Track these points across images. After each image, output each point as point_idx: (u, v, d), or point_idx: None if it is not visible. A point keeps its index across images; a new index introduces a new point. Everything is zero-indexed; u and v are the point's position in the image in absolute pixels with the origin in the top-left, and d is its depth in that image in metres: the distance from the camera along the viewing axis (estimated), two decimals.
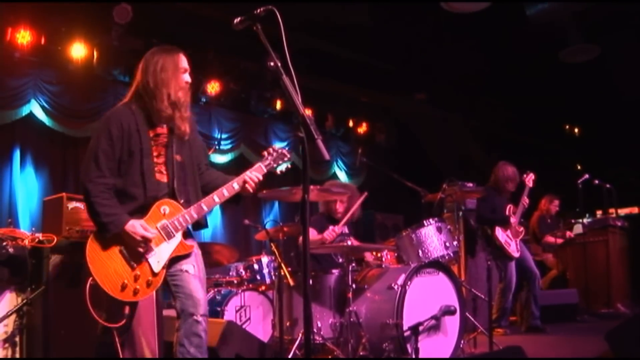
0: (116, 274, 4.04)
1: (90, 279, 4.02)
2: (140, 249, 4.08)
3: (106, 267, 4.03)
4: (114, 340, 4.32)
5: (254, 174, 4.48)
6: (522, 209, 8.71)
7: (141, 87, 4.32)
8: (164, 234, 4.17)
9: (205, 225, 4.57)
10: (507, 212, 8.58)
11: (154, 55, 4.38)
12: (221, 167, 11.39)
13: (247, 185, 4.44)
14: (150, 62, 4.33)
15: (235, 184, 4.42)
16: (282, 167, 4.75)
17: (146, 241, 4.08)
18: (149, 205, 4.18)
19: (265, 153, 4.67)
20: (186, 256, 4.29)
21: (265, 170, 4.56)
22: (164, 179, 4.29)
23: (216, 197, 4.36)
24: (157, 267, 4.15)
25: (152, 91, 4.27)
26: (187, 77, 4.41)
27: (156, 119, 4.31)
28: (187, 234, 4.37)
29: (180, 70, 4.36)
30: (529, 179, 8.73)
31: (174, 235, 4.21)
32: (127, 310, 4.32)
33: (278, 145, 12.36)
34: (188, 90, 4.43)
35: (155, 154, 4.29)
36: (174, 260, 4.24)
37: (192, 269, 4.29)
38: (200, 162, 4.62)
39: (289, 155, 4.73)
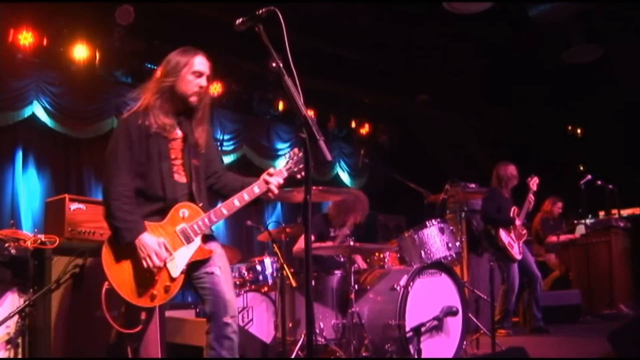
0: (133, 279, 3.96)
1: (106, 283, 3.94)
2: (145, 264, 3.94)
3: (123, 271, 3.96)
4: (126, 346, 4.24)
5: (275, 178, 4.36)
6: (526, 212, 8.71)
7: (158, 88, 4.25)
8: (183, 238, 4.10)
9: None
10: (511, 214, 8.57)
11: (174, 57, 4.33)
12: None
13: (271, 187, 4.33)
14: (168, 66, 4.29)
15: (256, 188, 4.31)
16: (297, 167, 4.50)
17: (154, 260, 3.95)
18: (168, 208, 4.12)
19: (287, 156, 4.52)
20: (208, 259, 4.19)
21: (286, 174, 4.43)
22: (183, 179, 4.23)
23: (236, 201, 4.27)
24: (175, 272, 4.05)
25: (167, 93, 4.23)
26: (201, 81, 4.33)
27: (170, 126, 4.23)
28: (207, 237, 4.29)
29: (189, 71, 4.28)
30: (533, 182, 8.73)
31: (193, 240, 4.13)
32: (143, 315, 4.21)
33: (279, 145, 12.45)
34: (203, 95, 4.37)
35: (172, 156, 4.23)
36: (196, 264, 4.16)
37: (218, 271, 4.19)
38: (216, 167, 4.55)
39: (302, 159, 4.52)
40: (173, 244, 4.07)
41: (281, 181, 4.40)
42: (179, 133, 4.29)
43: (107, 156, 4.13)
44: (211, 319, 4.10)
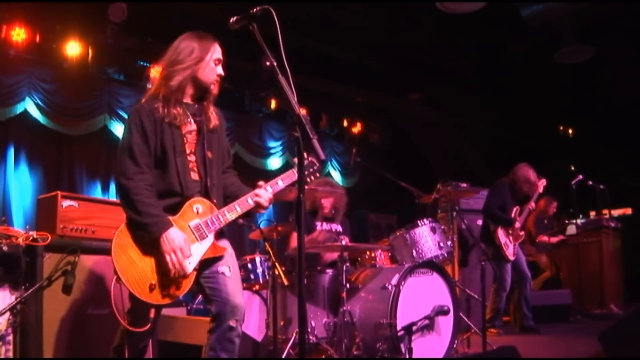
0: (144, 274, 3.82)
1: (115, 277, 3.80)
2: (168, 259, 3.81)
3: (133, 265, 3.81)
4: (127, 346, 4.13)
5: (267, 195, 4.23)
6: (527, 214, 8.72)
7: (169, 78, 4.06)
8: (197, 235, 3.97)
9: None
10: (513, 215, 8.57)
11: (184, 42, 4.14)
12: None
13: (259, 206, 4.22)
14: (179, 52, 4.10)
15: (250, 200, 4.20)
16: (317, 175, 4.49)
17: (179, 256, 3.82)
18: (183, 204, 3.98)
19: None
20: (219, 257, 4.07)
21: (283, 185, 4.32)
22: (197, 177, 4.08)
23: (250, 200, 4.17)
24: (188, 269, 3.89)
25: (185, 80, 4.07)
26: (219, 70, 4.20)
27: (184, 114, 4.09)
28: (219, 235, 4.17)
29: (212, 59, 4.15)
30: (541, 184, 8.72)
31: (207, 236, 4.01)
32: (152, 313, 4.13)
33: (271, 143, 12.43)
34: (218, 84, 4.24)
35: (188, 151, 4.07)
36: (208, 261, 4.03)
37: (228, 271, 4.07)
38: (225, 162, 4.41)
39: (317, 166, 4.49)
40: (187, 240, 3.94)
41: (271, 195, 4.28)
42: (192, 125, 4.13)
43: (121, 150, 3.95)
44: (216, 320, 3.98)
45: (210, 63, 4.13)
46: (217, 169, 4.23)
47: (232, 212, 4.12)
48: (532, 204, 8.71)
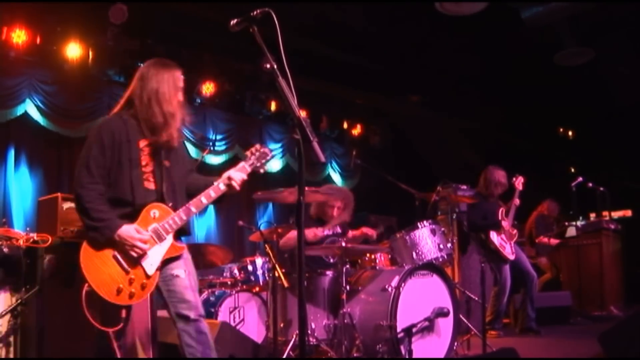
0: (111, 279, 4.08)
1: (86, 285, 4.05)
2: (134, 254, 4.12)
3: (101, 272, 4.07)
4: (111, 344, 4.36)
5: (238, 174, 4.52)
6: (514, 212, 8.71)
7: (137, 98, 4.37)
8: (156, 237, 4.22)
9: (188, 233, 4.63)
10: (499, 216, 8.57)
11: (152, 68, 4.43)
12: (215, 168, 11.38)
13: (232, 183, 4.48)
14: (148, 76, 4.38)
15: (221, 185, 4.46)
16: (267, 166, 4.75)
17: (140, 246, 4.13)
18: (138, 212, 4.23)
19: (249, 153, 4.67)
20: (177, 259, 4.35)
21: (249, 170, 4.59)
22: (152, 186, 4.34)
23: (203, 199, 4.41)
24: (150, 270, 4.20)
25: (147, 105, 4.32)
26: (180, 96, 4.46)
27: (148, 131, 4.34)
28: (178, 238, 4.43)
29: (178, 89, 4.43)
30: (519, 182, 8.72)
31: (165, 238, 4.27)
32: (123, 313, 4.35)
33: (271, 145, 12.47)
34: (182, 108, 4.48)
35: (143, 163, 4.33)
36: (165, 263, 4.30)
37: (183, 274, 4.34)
38: (186, 167, 4.69)
39: (271, 154, 4.76)
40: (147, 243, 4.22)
41: (245, 177, 4.56)
42: (152, 141, 4.37)
43: (80, 162, 4.25)
44: (180, 321, 4.26)
45: (171, 90, 4.39)
46: (176, 176, 4.50)
47: (198, 205, 4.40)
48: (517, 201, 8.69)
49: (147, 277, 4.18)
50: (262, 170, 4.67)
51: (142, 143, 4.34)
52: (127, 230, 4.10)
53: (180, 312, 4.25)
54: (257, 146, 4.71)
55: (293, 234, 6.86)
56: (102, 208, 4.14)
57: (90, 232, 4.13)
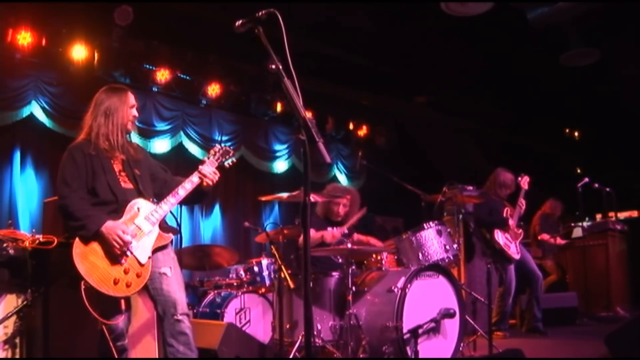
0: (106, 272, 4.27)
1: (83, 282, 4.18)
2: (116, 250, 4.32)
3: (95, 267, 4.26)
4: (108, 343, 4.51)
5: (207, 168, 4.89)
6: (519, 212, 8.70)
7: (95, 124, 4.75)
8: (143, 229, 4.51)
9: (176, 232, 4.94)
10: (504, 214, 8.58)
11: (103, 95, 4.86)
12: (222, 169, 11.37)
13: (203, 171, 4.86)
14: (101, 103, 4.81)
15: (195, 177, 4.82)
16: (229, 162, 5.12)
17: (125, 238, 4.35)
18: (122, 207, 4.51)
19: (212, 152, 5.07)
20: (165, 256, 4.62)
21: (216, 164, 4.98)
22: (130, 185, 4.66)
23: (180, 191, 4.74)
24: (143, 259, 4.44)
25: (104, 123, 4.73)
26: (134, 112, 4.88)
27: (110, 146, 4.69)
28: (164, 229, 4.70)
29: (128, 105, 4.83)
30: (524, 181, 8.72)
31: (152, 228, 4.55)
32: (123, 305, 4.55)
33: (277, 146, 12.49)
34: (134, 123, 4.93)
35: (116, 169, 4.66)
36: (154, 260, 4.53)
37: (169, 271, 4.57)
38: (163, 177, 5.02)
39: (232, 152, 5.15)
40: (136, 235, 4.47)
41: (214, 169, 4.94)
42: (119, 155, 4.73)
43: (58, 181, 4.55)
44: (164, 318, 4.47)
45: (126, 110, 4.82)
46: (147, 181, 4.83)
47: (177, 197, 4.73)
48: (522, 201, 8.69)
49: (141, 265, 4.42)
50: (227, 165, 5.10)
51: (113, 159, 4.68)
52: (112, 224, 4.34)
53: (165, 310, 4.46)
54: (218, 147, 5.13)
55: (313, 233, 6.87)
56: (85, 207, 4.40)
57: (78, 232, 4.32)
